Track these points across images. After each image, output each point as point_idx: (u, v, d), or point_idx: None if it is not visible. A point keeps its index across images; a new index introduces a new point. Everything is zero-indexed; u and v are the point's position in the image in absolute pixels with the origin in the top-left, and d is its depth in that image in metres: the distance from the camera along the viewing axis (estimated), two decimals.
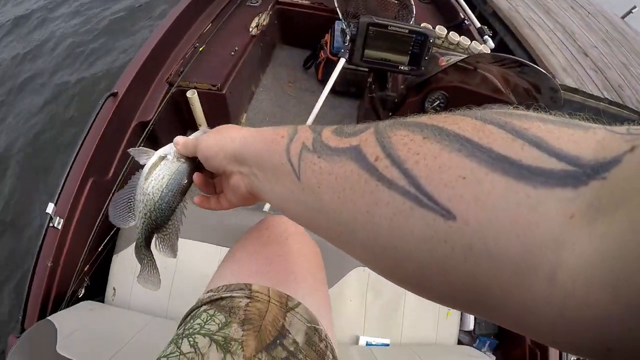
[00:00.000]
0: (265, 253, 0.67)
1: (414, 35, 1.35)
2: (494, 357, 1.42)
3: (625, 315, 0.16)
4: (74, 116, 2.86)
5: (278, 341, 0.51)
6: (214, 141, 0.48)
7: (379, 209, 0.27)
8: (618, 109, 3.64)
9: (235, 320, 0.52)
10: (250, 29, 2.01)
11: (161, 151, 0.55)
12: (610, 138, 0.20)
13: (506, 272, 0.21)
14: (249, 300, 0.54)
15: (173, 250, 0.58)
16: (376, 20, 1.34)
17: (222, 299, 0.56)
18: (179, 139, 0.53)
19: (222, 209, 0.55)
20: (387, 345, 1.35)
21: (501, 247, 0.21)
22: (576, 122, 0.23)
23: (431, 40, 1.37)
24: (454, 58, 1.44)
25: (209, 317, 0.53)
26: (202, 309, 0.56)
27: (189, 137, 0.53)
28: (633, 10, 10.23)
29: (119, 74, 1.63)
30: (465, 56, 1.43)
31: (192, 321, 0.55)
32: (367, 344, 1.34)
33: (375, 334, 1.37)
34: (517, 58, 1.40)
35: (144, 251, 0.59)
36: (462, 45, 1.64)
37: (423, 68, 1.41)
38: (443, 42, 1.68)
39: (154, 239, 0.57)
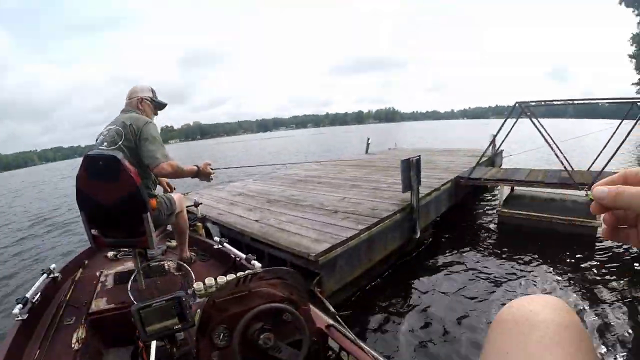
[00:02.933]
0: None
1: (171, 301, 1.62)
2: None
3: None
4: None
5: None
6: None
7: None
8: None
9: None
10: (73, 345, 2.13)
11: None
12: None
13: None
14: None
15: None
16: (141, 305, 1.58)
17: None
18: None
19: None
20: None
21: None
22: None
23: (183, 299, 1.65)
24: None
25: None
26: None
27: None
28: (369, 142, 13.24)
29: None
30: (212, 295, 1.78)
31: None
32: None
33: None
34: (268, 269, 1.82)
35: None
36: (231, 283, 1.87)
37: (190, 319, 1.65)
38: (216, 288, 2.01)
39: None
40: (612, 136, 6.60)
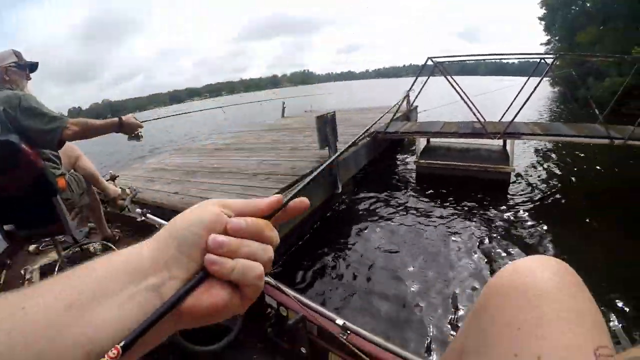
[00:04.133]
0: None
1: None
2: None
3: None
4: None
5: None
6: None
7: None
8: None
9: None
10: None
11: None
12: None
13: None
14: None
15: None
16: None
17: None
18: None
19: None
20: None
21: None
22: None
23: None
24: None
25: None
26: None
27: None
28: (285, 106, 13.11)
29: None
30: None
31: None
32: None
33: None
34: None
35: None
36: None
37: None
38: None
39: None
40: (520, 90, 6.91)
